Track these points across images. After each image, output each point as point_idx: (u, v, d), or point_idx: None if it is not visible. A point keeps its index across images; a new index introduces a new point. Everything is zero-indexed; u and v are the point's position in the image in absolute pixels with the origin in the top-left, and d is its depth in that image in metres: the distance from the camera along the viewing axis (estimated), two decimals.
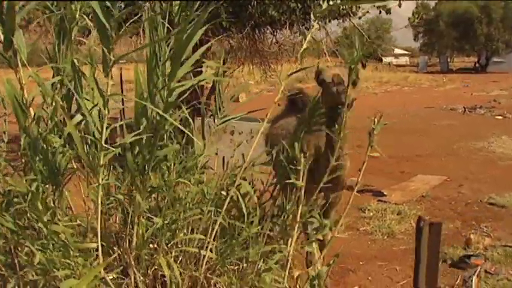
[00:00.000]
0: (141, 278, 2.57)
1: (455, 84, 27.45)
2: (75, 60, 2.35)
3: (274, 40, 8.03)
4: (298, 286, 2.73)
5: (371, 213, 5.44)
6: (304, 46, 2.61)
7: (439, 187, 6.75)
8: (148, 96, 2.28)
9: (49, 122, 2.59)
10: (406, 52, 61.59)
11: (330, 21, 7.45)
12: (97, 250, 2.11)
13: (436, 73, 40.15)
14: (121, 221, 2.69)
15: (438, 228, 2.19)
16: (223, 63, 5.78)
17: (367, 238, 4.86)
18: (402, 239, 4.83)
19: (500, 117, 14.00)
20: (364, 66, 42.09)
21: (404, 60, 58.35)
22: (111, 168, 2.60)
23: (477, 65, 48.62)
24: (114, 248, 2.62)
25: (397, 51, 58.63)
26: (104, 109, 2.03)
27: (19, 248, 2.29)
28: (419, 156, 8.90)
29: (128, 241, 2.57)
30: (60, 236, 2.03)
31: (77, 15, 2.56)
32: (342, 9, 6.69)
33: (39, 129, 2.52)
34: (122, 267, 2.54)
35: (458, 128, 12.20)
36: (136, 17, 3.08)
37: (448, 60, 50.96)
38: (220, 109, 2.95)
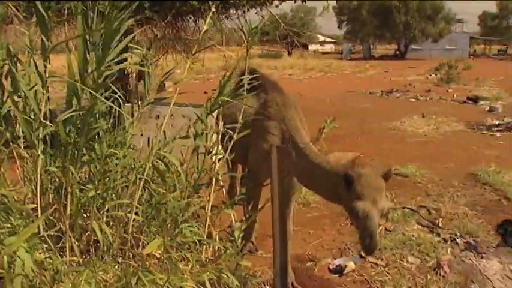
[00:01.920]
0: (76, 243, 2.88)
1: (376, 70, 28.86)
2: (10, 47, 2.63)
3: (196, 28, 8.36)
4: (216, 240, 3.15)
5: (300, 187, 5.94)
6: (205, 28, 3.02)
7: None
8: (79, 78, 2.61)
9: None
10: (331, 40, 63.47)
11: (248, 10, 7.86)
12: (36, 211, 2.42)
13: (359, 60, 41.81)
14: (56, 192, 2.99)
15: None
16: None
17: None
18: (315, 207, 5.38)
19: (413, 100, 15.10)
20: (290, 53, 42.55)
21: (329, 47, 60.14)
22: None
23: (397, 52, 51.04)
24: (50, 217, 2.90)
25: (323, 38, 60.28)
26: (43, 89, 2.34)
27: None
28: (336, 136, 9.55)
29: (62, 210, 2.87)
30: (3, 199, 2.32)
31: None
32: None
33: None
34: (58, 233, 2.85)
35: (375, 110, 13.09)
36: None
37: (371, 47, 53.09)
38: (146, 95, 3.28)
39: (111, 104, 2.65)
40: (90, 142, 2.93)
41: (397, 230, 4.65)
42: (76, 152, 2.76)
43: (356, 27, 49.71)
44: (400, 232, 4.58)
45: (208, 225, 3.14)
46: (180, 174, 3.03)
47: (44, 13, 2.22)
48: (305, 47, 47.92)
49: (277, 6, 8.74)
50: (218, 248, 3.10)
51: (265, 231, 4.62)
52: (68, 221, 2.84)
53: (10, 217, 2.34)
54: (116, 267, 2.66)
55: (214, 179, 3.11)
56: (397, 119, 11.37)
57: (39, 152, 2.41)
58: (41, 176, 2.70)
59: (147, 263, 2.81)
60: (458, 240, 4.42)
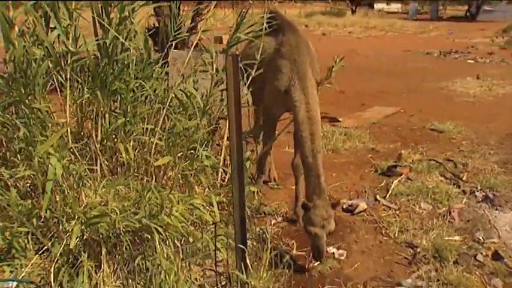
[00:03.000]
0: (106, 162, 3.26)
1: (441, 31, 27.69)
2: None
3: None
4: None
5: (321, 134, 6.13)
6: None
7: (391, 116, 7.48)
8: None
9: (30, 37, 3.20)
10: None
11: None
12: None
13: (426, 21, 40.12)
14: (89, 118, 3.36)
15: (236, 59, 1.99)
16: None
17: None
18: (344, 154, 5.58)
19: (471, 61, 14.57)
20: (353, 11, 41.47)
21: (396, 7, 57.88)
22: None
23: (468, 13, 48.47)
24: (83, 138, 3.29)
25: None
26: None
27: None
28: (382, 92, 9.56)
29: (94, 134, 3.24)
30: (37, 113, 2.70)
31: None
32: None
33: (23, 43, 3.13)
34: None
35: (428, 69, 12.79)
36: None
37: (440, 8, 50.68)
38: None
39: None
40: (121, 74, 3.27)
41: (418, 179, 4.78)
42: (105, 81, 3.11)
43: None
44: (420, 181, 4.71)
45: (224, 154, 3.45)
46: (199, 104, 3.33)
47: None
48: (370, 5, 46.48)
49: None
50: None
51: (289, 170, 4.90)
52: (99, 145, 3.22)
53: (44, 130, 2.72)
54: (136, 183, 3.01)
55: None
56: (449, 79, 11.10)
57: (67, 79, 2.75)
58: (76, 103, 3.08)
59: (164, 182, 3.16)
60: (477, 193, 4.50)
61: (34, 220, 2.68)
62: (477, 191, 4.55)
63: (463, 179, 4.85)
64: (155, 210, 2.62)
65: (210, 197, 3.03)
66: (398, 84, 10.51)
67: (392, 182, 4.67)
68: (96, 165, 3.16)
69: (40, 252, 2.72)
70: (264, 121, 4.04)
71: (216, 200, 2.93)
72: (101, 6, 3.23)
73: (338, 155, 5.51)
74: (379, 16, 39.29)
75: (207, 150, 3.34)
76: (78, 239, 2.57)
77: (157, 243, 2.57)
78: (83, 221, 2.51)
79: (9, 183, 2.69)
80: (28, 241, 2.68)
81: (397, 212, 4.09)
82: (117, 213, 2.60)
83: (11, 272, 2.65)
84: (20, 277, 2.61)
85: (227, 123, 1.68)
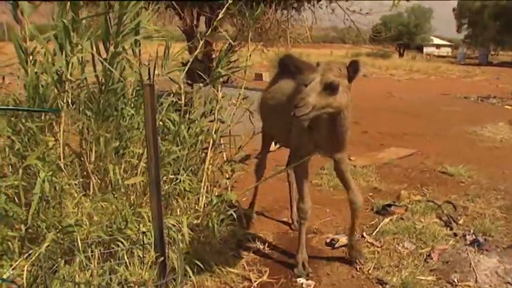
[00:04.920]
0: (98, 181, 3.58)
1: (486, 76, 27.38)
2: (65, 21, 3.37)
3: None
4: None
5: (327, 171, 6.30)
6: (220, 15, 3.58)
7: (405, 158, 7.55)
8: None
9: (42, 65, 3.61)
10: (448, 43, 60.63)
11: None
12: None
13: (474, 65, 39.69)
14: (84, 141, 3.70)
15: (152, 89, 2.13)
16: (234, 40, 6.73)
17: (315, 189, 5.77)
18: (344, 191, 5.68)
19: (509, 107, 14.38)
20: (401, 54, 41.50)
21: (446, 51, 57.50)
22: None
23: None
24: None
25: (438, 41, 57.82)
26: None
27: None
28: (406, 134, 9.63)
29: (88, 154, 3.58)
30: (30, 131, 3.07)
31: None
32: None
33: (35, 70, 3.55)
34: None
35: (461, 114, 12.74)
36: None
37: (491, 53, 49.99)
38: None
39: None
40: (116, 102, 3.62)
41: (411, 219, 4.86)
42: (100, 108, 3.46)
43: (476, 31, 47.13)
44: (411, 221, 4.79)
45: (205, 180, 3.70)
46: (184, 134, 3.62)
47: None
48: (419, 49, 46.43)
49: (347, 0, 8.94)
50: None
51: (285, 204, 5.09)
52: (92, 165, 3.55)
53: (35, 147, 3.08)
54: (116, 200, 3.30)
55: (211, 141, 3.66)
56: (480, 124, 11.03)
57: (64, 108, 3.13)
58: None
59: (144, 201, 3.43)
60: (468, 236, 4.52)
61: (22, 226, 3.01)
62: (468, 234, 4.57)
63: (459, 222, 4.88)
64: (123, 225, 2.89)
65: (184, 218, 3.27)
66: (425, 126, 10.54)
67: (383, 220, 4.77)
68: (89, 183, 3.49)
69: (26, 256, 3.03)
70: (295, 164, 3.87)
71: (186, 220, 3.17)
72: (103, 41, 3.61)
73: (337, 192, 5.65)
74: (427, 60, 39.19)
75: (190, 176, 3.61)
76: (56, 246, 2.87)
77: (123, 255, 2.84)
78: (58, 228, 2.81)
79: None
80: (15, 245, 3.00)
81: (378, 249, 4.18)
82: (91, 225, 2.89)
83: None
84: (5, 277, 2.93)
85: (147, 148, 1.92)
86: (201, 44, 4.23)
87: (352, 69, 3.13)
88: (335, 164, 3.81)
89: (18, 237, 3.07)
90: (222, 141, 3.92)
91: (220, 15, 4.34)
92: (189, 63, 4.02)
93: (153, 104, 1.91)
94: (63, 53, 3.52)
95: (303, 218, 3.82)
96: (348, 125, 3.39)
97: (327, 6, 9.10)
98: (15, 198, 3.16)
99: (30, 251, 2.99)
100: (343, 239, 4.24)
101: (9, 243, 3.06)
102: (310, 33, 8.78)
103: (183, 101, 3.65)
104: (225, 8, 4.22)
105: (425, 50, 49.77)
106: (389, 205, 5.13)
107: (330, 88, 3.02)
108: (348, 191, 3.92)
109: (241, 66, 4.28)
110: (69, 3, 3.27)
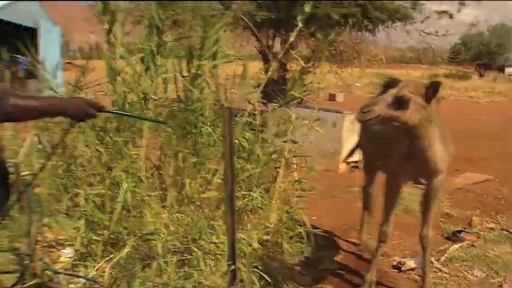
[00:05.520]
0: (175, 194, 3.82)
1: None
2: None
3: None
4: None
5: (402, 195, 6.23)
6: (292, 38, 3.75)
7: (480, 184, 7.32)
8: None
9: (129, 84, 3.94)
10: None
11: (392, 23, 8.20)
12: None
13: None
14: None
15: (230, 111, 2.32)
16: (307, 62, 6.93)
17: None
18: (415, 215, 5.63)
19: None
20: (481, 75, 39.78)
21: None
22: None
23: None
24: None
25: None
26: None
27: None
28: (483, 159, 9.29)
29: (166, 170, 3.84)
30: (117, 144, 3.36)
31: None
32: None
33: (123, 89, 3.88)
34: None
35: None
36: None
37: None
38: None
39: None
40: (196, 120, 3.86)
41: (482, 247, 4.74)
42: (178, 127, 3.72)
43: None
44: (483, 249, 4.67)
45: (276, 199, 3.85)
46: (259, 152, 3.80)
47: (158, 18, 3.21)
48: (500, 69, 44.42)
49: (422, 22, 8.87)
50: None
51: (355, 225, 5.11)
52: (170, 179, 3.80)
53: (120, 160, 3.37)
54: (192, 212, 3.52)
55: (284, 160, 3.81)
56: None
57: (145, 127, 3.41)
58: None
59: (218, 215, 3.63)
60: None
61: (105, 231, 3.30)
62: None
63: None
64: (197, 236, 3.09)
65: (254, 233, 3.42)
66: (503, 151, 10.12)
67: (452, 246, 4.70)
68: (166, 195, 3.74)
69: (107, 259, 3.30)
70: (388, 191, 3.81)
71: (256, 235, 3.32)
72: (187, 61, 3.87)
73: (409, 216, 5.60)
74: (510, 80, 37.40)
75: (262, 193, 3.77)
76: (135, 252, 3.12)
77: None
78: (137, 236, 3.06)
79: (88, 199, 3.34)
80: (98, 248, 3.28)
81: (446, 276, 4.13)
82: (168, 234, 3.11)
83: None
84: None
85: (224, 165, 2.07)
86: (275, 65, 4.40)
87: (432, 89, 3.07)
88: (424, 189, 3.73)
89: (101, 241, 3.37)
90: (294, 161, 4.06)
91: (291, 38, 4.50)
92: (264, 85, 4.21)
93: (230, 125, 2.09)
94: (149, 73, 3.83)
95: (382, 241, 3.81)
96: (436, 147, 3.27)
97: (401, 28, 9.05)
98: (101, 206, 3.46)
99: (111, 255, 3.26)
100: (411, 263, 4.23)
101: (93, 246, 3.35)
102: (385, 55, 8.76)
103: (257, 121, 3.83)
104: (296, 30, 4.36)
105: (507, 70, 47.48)
106: (460, 231, 5.04)
107: (399, 102, 3.01)
108: (422, 222, 3.82)
109: (314, 89, 4.42)
110: (154, 28, 3.56)
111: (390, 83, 3.74)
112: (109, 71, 3.89)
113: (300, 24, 4.26)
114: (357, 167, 7.94)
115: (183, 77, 3.76)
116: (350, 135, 6.83)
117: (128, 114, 3.59)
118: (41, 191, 3.65)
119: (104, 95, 4.18)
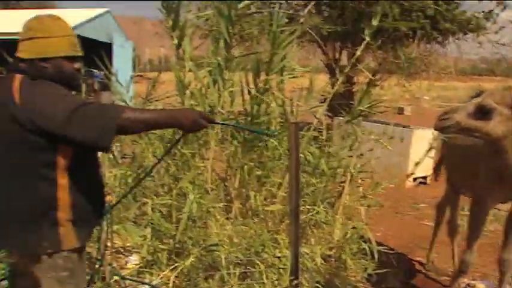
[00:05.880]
0: (239, 206, 3.85)
1: None
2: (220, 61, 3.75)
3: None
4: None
5: (468, 212, 5.96)
6: (359, 52, 3.70)
7: None
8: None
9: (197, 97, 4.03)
10: None
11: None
12: None
13: None
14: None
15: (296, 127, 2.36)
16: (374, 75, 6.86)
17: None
18: (487, 236, 5.35)
19: None
20: None
21: None
22: None
23: None
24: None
25: None
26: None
27: None
28: None
29: (232, 183, 3.88)
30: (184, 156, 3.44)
31: None
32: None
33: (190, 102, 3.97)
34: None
35: None
36: None
37: None
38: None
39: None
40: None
41: None
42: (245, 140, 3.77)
43: None
44: None
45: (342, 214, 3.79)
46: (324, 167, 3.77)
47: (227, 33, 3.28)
48: None
49: (496, 32, 8.50)
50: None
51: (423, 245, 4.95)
52: (235, 191, 3.85)
53: (187, 171, 3.44)
54: (255, 225, 3.53)
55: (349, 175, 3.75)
56: None
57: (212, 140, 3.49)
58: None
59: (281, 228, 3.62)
60: None
61: (171, 240, 3.37)
62: None
63: None
64: (260, 249, 3.10)
65: (317, 248, 3.39)
66: None
67: None
68: (231, 207, 3.78)
69: (172, 267, 3.37)
70: (475, 215, 3.66)
71: (319, 250, 3.28)
72: (254, 75, 3.92)
73: (483, 237, 5.34)
74: None
75: (326, 208, 3.73)
76: (198, 262, 3.17)
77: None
78: (202, 246, 3.10)
79: (155, 208, 3.43)
80: (163, 256, 3.36)
81: None
82: (231, 246, 3.14)
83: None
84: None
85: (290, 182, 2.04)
86: (341, 79, 4.37)
87: None
88: (509, 213, 3.53)
89: (166, 250, 3.44)
90: (360, 176, 3.99)
91: (358, 52, 4.43)
92: (330, 99, 4.18)
93: (297, 140, 2.09)
94: (216, 86, 3.91)
95: (463, 271, 3.66)
96: None
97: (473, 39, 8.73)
98: (167, 216, 3.54)
99: (176, 264, 3.32)
100: (481, 286, 4.02)
101: (159, 254, 3.43)
102: (456, 67, 8.48)
103: (324, 136, 3.81)
104: (363, 44, 4.29)
105: None
106: None
107: (482, 111, 2.81)
108: (503, 245, 3.59)
109: (381, 104, 4.33)
110: (222, 42, 3.63)
111: (480, 96, 3.51)
112: (178, 84, 4.00)
113: (367, 38, 4.20)
114: (424, 183, 7.72)
115: (249, 92, 3.80)
116: (418, 150, 6.64)
117: (236, 125, 3.70)
118: (111, 199, 3.80)
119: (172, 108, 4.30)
